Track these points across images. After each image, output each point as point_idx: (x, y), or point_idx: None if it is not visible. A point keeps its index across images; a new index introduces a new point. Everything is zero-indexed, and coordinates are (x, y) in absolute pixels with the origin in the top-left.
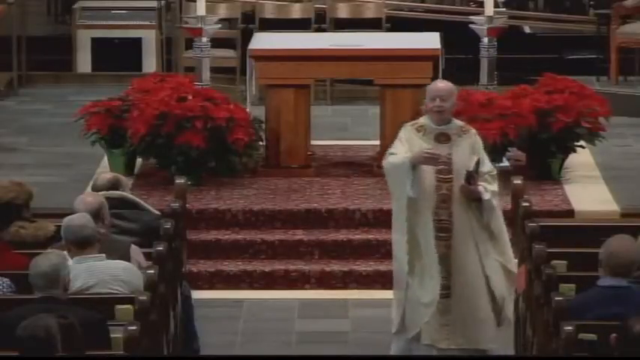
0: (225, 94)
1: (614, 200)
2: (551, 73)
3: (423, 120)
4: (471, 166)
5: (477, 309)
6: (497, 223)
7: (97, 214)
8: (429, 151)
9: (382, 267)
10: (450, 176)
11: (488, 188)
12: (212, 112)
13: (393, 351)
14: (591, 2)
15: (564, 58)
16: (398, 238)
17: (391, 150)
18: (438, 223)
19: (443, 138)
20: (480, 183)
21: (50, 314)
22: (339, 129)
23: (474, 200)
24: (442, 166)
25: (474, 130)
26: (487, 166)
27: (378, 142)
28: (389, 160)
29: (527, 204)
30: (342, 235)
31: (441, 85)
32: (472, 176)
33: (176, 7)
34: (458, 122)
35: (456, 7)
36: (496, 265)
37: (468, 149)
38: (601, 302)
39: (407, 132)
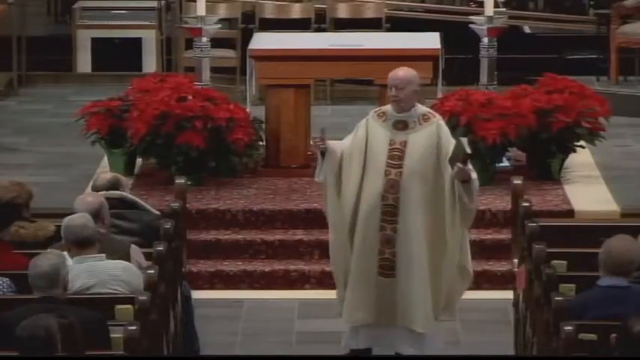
0: (225, 94)
1: (614, 200)
2: (551, 73)
3: (386, 107)
4: (453, 149)
5: (417, 292)
6: (472, 210)
7: (97, 214)
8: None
9: None
10: (401, 162)
11: (475, 175)
12: (212, 112)
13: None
14: (591, 2)
15: (564, 58)
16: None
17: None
18: (384, 207)
19: (400, 125)
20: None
21: (50, 314)
22: (339, 129)
23: (464, 182)
24: (395, 153)
25: (437, 118)
26: None
27: None
28: None
29: (527, 204)
30: None
31: (399, 73)
32: (466, 155)
33: (176, 7)
34: (421, 110)
35: (456, 7)
36: (449, 258)
37: (427, 137)
38: (601, 302)
39: (369, 119)
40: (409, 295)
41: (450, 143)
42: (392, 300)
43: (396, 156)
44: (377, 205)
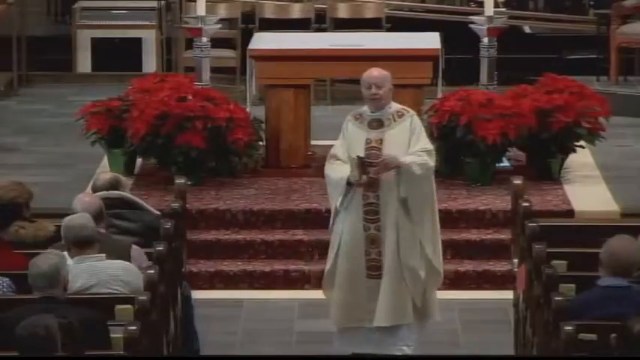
0: (225, 94)
1: (614, 200)
2: (551, 73)
3: (362, 108)
4: (361, 153)
5: (399, 289)
6: (423, 199)
7: (97, 214)
8: (360, 182)
9: None
10: (378, 160)
11: (412, 160)
12: (212, 112)
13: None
14: (591, 2)
15: (564, 58)
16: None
17: (333, 149)
18: (366, 206)
19: (375, 124)
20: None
21: (50, 314)
22: (339, 129)
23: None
24: (373, 151)
25: (411, 113)
26: (420, 143)
27: None
28: (329, 170)
29: (527, 204)
30: None
31: (376, 72)
32: (363, 162)
33: (176, 7)
34: (395, 107)
35: (456, 7)
36: (418, 255)
37: (402, 133)
38: (601, 302)
39: (348, 122)
40: (396, 293)
41: (419, 137)
42: (377, 300)
43: (374, 154)
44: (359, 205)
